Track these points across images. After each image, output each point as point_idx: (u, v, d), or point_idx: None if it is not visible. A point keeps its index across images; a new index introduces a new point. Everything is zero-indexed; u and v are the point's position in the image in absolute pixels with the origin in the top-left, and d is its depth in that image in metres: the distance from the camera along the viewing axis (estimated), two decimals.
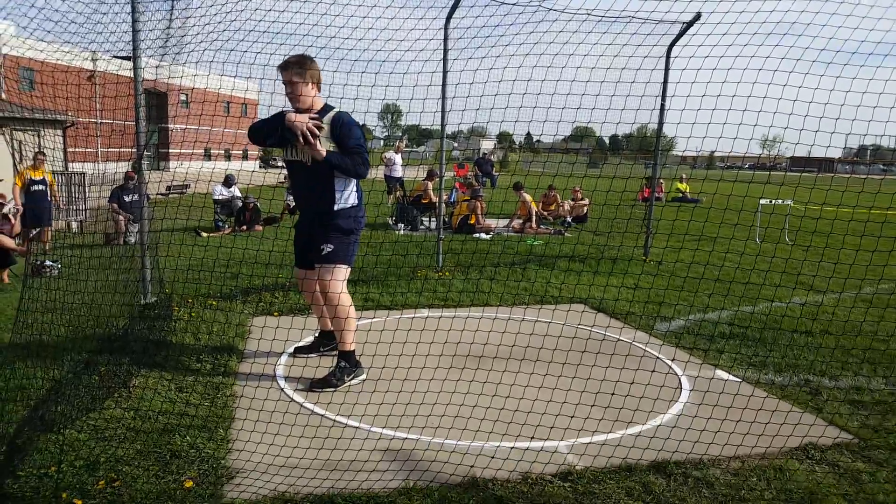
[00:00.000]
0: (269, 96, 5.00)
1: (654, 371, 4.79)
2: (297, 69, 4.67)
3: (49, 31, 5.71)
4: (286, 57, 4.75)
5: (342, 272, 4.86)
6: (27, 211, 10.86)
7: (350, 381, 4.89)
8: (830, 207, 4.14)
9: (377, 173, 20.80)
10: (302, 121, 4.54)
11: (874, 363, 5.54)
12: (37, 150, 11.35)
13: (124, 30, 6.27)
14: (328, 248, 4.81)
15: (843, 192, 4.17)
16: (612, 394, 4.14)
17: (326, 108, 4.79)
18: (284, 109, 4.78)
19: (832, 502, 3.37)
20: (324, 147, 4.63)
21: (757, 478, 3.63)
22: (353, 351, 4.98)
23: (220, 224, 14.40)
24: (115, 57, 6.54)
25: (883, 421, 4.39)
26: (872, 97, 3.65)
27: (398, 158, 18.90)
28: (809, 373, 5.32)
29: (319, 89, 4.82)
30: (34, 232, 11.39)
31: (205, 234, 13.18)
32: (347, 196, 4.87)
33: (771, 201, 12.92)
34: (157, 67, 6.17)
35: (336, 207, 4.83)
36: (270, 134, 4.72)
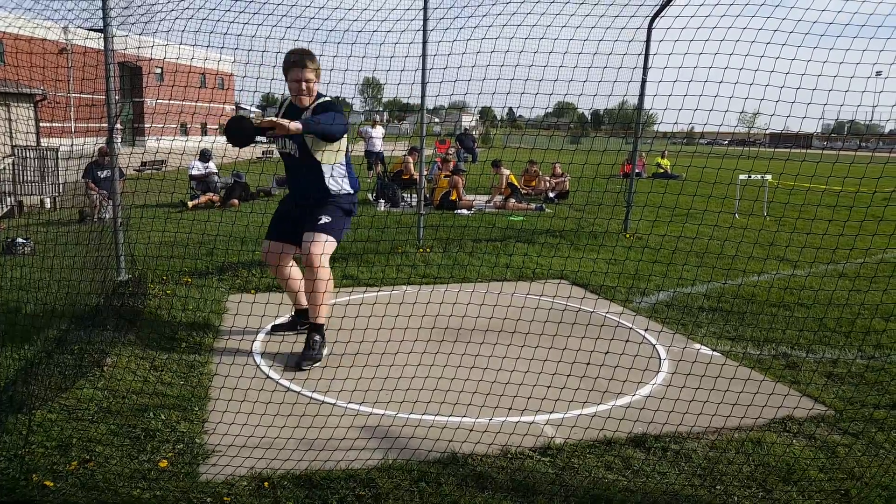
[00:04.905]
0: (243, 67, 4.88)
1: (627, 340, 4.80)
2: (312, 66, 4.74)
3: (17, 4, 5.54)
4: (294, 54, 4.72)
5: (331, 245, 4.88)
6: None
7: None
8: (805, 183, 4.12)
9: (354, 148, 20.58)
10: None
11: (849, 335, 5.60)
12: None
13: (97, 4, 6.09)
14: (325, 218, 4.88)
15: (818, 163, 4.16)
16: (588, 363, 4.12)
17: (318, 96, 4.89)
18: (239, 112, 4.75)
19: (809, 474, 3.39)
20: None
21: (735, 451, 3.65)
22: (323, 325, 4.98)
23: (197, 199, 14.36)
24: (89, 29, 6.33)
25: (858, 393, 4.43)
26: (849, 68, 3.61)
27: (376, 132, 18.72)
28: (786, 346, 5.36)
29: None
30: None
31: (191, 204, 13.47)
32: (342, 183, 5.02)
33: (749, 176, 12.96)
34: (131, 38, 5.98)
35: (333, 193, 4.99)
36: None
